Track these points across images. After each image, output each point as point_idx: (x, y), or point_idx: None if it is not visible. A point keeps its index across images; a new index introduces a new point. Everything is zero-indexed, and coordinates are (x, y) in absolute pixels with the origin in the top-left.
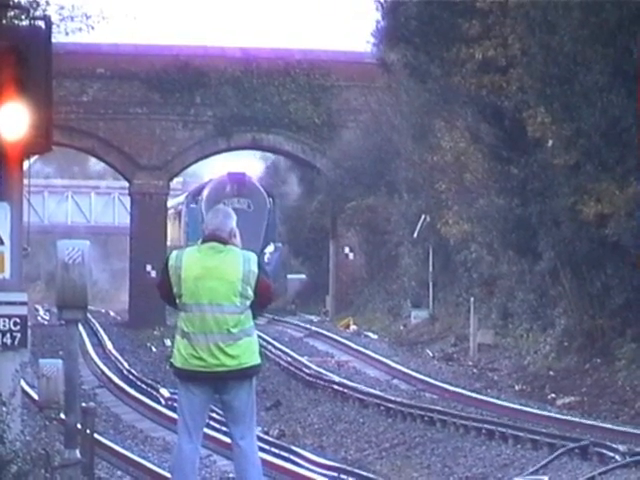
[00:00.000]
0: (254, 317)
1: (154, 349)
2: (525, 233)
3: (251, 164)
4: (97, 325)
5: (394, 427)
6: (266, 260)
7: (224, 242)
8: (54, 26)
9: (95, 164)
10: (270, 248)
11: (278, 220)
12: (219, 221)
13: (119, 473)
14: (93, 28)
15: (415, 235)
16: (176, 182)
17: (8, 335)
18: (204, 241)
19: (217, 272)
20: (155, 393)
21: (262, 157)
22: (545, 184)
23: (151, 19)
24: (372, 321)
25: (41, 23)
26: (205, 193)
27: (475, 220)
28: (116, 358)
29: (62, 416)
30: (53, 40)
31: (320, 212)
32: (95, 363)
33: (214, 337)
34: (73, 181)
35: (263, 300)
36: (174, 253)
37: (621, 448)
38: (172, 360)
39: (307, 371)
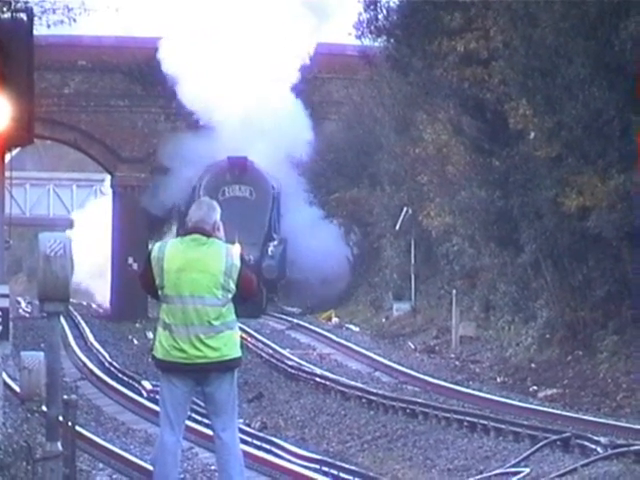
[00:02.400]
0: (261, 313)
1: (136, 341)
2: (507, 225)
3: None
4: (79, 317)
5: (376, 419)
6: (270, 253)
7: (207, 235)
8: (36, 18)
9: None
10: (274, 241)
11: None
12: (203, 213)
13: (101, 465)
14: (75, 20)
15: (397, 227)
16: None
17: None
18: (187, 233)
19: (199, 264)
20: (137, 385)
21: None
22: (527, 176)
23: (133, 11)
24: (354, 314)
25: (23, 15)
26: (204, 180)
27: (457, 212)
28: (98, 350)
29: (44, 408)
30: (35, 32)
31: None
32: (77, 355)
33: (195, 329)
34: (54, 173)
35: (245, 294)
36: (157, 244)
37: (603, 440)
38: (154, 352)
39: (289, 363)
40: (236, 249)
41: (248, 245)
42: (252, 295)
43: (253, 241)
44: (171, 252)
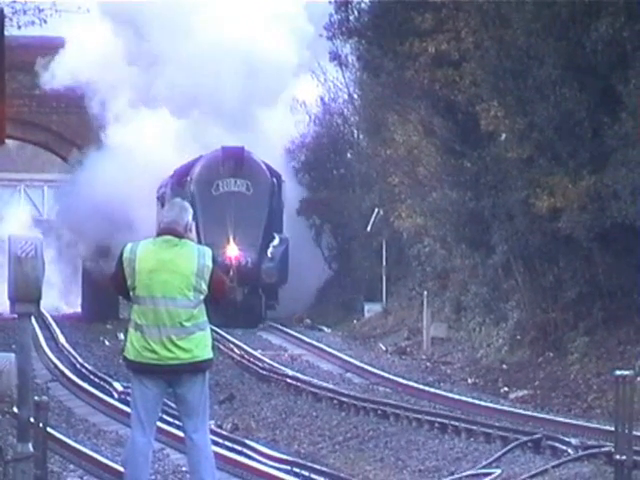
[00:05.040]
0: (259, 322)
1: (107, 343)
2: (478, 227)
3: None
4: (50, 319)
5: (347, 421)
6: (269, 255)
7: (179, 236)
8: (7, 19)
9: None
10: (275, 241)
11: (284, 205)
12: (175, 214)
13: (72, 467)
14: (45, 21)
15: (368, 229)
16: None
17: None
18: (159, 234)
19: (171, 265)
20: (108, 387)
21: None
22: (498, 178)
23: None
24: (325, 315)
25: None
26: (194, 173)
27: (428, 214)
28: (69, 352)
29: (15, 410)
30: (5, 33)
31: None
32: (48, 357)
33: (167, 330)
34: (26, 174)
35: (217, 295)
36: (129, 245)
37: (573, 441)
38: (125, 353)
39: (260, 364)
40: (208, 250)
41: (245, 246)
42: (224, 296)
43: (250, 241)
44: (143, 253)
